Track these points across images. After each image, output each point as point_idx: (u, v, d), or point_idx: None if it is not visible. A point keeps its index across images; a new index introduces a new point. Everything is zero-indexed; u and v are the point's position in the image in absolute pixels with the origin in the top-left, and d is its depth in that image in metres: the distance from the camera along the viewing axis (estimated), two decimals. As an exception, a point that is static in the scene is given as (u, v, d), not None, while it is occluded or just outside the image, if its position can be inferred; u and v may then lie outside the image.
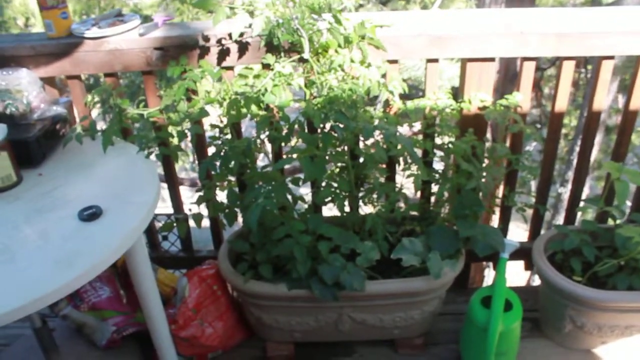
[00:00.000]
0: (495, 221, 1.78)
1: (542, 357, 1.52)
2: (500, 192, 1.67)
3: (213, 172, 1.39)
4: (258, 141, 1.39)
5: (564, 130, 6.87)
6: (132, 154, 1.30)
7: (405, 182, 1.50)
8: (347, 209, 1.45)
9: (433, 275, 1.31)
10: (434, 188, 1.56)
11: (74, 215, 1.04)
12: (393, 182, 1.56)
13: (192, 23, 1.54)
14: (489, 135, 3.85)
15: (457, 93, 1.56)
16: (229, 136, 1.40)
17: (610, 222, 1.56)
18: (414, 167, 1.44)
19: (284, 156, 1.27)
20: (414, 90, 6.20)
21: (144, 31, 1.43)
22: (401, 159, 1.46)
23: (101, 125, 1.40)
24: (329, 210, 1.66)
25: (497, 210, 1.71)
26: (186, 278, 1.51)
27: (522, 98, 1.47)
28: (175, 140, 1.40)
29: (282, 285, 1.35)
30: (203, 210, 1.49)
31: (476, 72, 1.46)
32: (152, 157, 1.33)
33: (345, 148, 1.39)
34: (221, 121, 1.40)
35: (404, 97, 1.47)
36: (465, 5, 6.92)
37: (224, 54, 1.43)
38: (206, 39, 1.41)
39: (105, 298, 1.47)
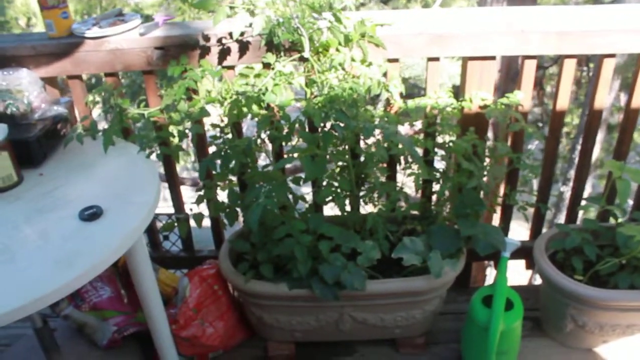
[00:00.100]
0: (496, 220, 1.77)
1: (543, 356, 1.51)
2: (501, 190, 1.66)
3: (214, 172, 1.39)
4: (259, 140, 1.39)
5: (566, 129, 6.85)
6: (133, 154, 1.30)
7: (406, 180, 1.50)
8: (348, 208, 1.45)
9: (434, 274, 1.31)
10: (435, 187, 1.56)
11: (75, 215, 1.04)
12: (394, 181, 1.55)
13: (192, 22, 1.54)
14: (490, 134, 3.85)
15: (458, 91, 1.56)
16: (229, 136, 1.39)
17: (612, 220, 1.55)
18: (414, 166, 1.43)
19: (285, 155, 1.27)
20: (416, 90, 6.19)
21: (144, 31, 1.43)
22: (402, 158, 1.46)
23: (102, 125, 1.40)
24: (330, 210, 1.66)
25: (498, 209, 1.71)
26: (187, 278, 1.51)
27: (523, 96, 1.47)
28: (176, 140, 1.40)
29: (282, 284, 1.35)
30: (204, 209, 1.49)
31: (477, 70, 1.46)
32: (153, 156, 1.33)
33: (346, 147, 1.39)
34: (222, 120, 1.40)
35: (404, 95, 1.47)
36: (466, 4, 6.91)
37: (224, 53, 1.43)
38: (207, 38, 1.41)
39: (106, 298, 1.47)
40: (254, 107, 1.34)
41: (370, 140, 1.40)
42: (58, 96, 1.51)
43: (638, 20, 1.40)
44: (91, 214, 1.03)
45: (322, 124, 1.30)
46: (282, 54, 1.40)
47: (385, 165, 1.50)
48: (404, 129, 2.74)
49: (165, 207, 1.77)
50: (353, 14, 1.38)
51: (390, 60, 1.44)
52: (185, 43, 1.42)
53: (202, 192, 1.45)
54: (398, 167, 1.58)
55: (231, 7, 1.30)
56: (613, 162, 1.38)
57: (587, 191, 5.63)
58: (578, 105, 7.01)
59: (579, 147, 1.68)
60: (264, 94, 1.34)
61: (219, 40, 1.41)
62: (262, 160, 1.53)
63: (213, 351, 1.55)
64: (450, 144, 1.46)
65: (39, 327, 1.31)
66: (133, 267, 1.21)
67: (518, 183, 1.66)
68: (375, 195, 1.46)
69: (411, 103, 1.45)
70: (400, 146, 1.35)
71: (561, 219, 5.90)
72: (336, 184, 1.40)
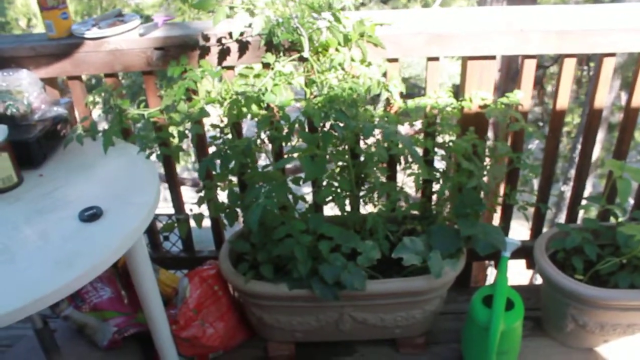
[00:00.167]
0: (496, 220, 1.77)
1: (544, 356, 1.51)
2: (501, 190, 1.66)
3: (214, 172, 1.39)
4: (258, 141, 1.39)
5: (566, 128, 6.85)
6: (133, 155, 1.30)
7: (407, 180, 1.50)
8: (348, 208, 1.45)
9: (434, 274, 1.30)
10: (435, 187, 1.55)
11: (75, 216, 1.04)
12: (394, 181, 1.55)
13: (192, 23, 1.54)
14: (490, 133, 3.85)
15: (458, 91, 1.56)
16: (229, 136, 1.39)
17: (613, 220, 1.55)
18: (414, 166, 1.43)
19: (285, 156, 1.27)
20: (417, 89, 6.18)
21: (144, 31, 1.43)
22: (402, 157, 1.46)
23: (103, 126, 1.40)
24: (331, 210, 1.66)
25: (499, 208, 1.70)
26: (187, 278, 1.51)
27: (523, 96, 1.46)
28: (175, 141, 1.40)
29: (283, 285, 1.35)
30: (204, 210, 1.49)
31: (477, 70, 1.45)
32: (153, 157, 1.33)
33: (346, 147, 1.39)
34: (222, 121, 1.40)
35: (404, 95, 1.47)
36: (466, 4, 6.90)
37: (224, 53, 1.43)
38: (206, 38, 1.41)
39: (106, 299, 1.47)
40: (254, 108, 1.34)
41: (370, 140, 1.40)
42: (58, 97, 1.51)
43: (639, 19, 1.40)
44: (91, 215, 1.03)
45: (321, 124, 1.30)
46: (281, 54, 1.40)
47: (385, 165, 1.50)
48: (404, 129, 2.74)
49: (166, 207, 1.77)
50: (352, 14, 1.38)
51: (390, 60, 1.43)
52: (185, 43, 1.42)
53: (202, 193, 1.45)
54: (398, 167, 1.58)
55: (231, 7, 1.30)
56: (613, 161, 1.38)
57: (588, 190, 5.63)
58: (579, 104, 7.00)
59: (579, 147, 1.68)
60: (263, 94, 1.34)
61: (219, 41, 1.41)
62: (263, 161, 1.53)
63: (213, 352, 1.55)
64: (450, 143, 1.45)
65: (39, 328, 1.31)
66: (133, 268, 1.21)
67: (518, 183, 1.66)
68: (375, 195, 1.46)
69: (411, 103, 1.45)
70: (400, 146, 1.35)
71: (562, 218, 5.89)
72: (336, 184, 1.40)
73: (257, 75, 1.38)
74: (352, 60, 1.36)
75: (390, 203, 1.46)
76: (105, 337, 1.43)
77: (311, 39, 1.33)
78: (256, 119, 1.36)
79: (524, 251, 1.59)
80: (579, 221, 1.72)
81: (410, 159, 1.43)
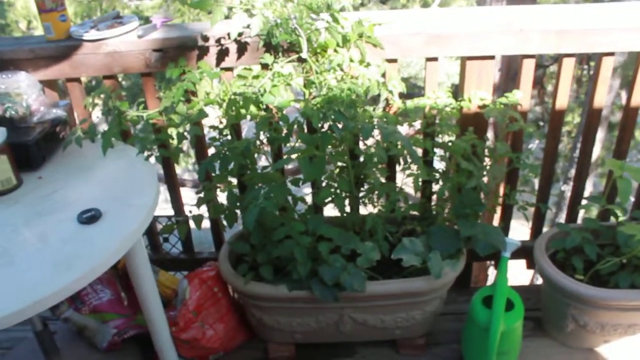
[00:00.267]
0: (496, 220, 1.77)
1: (544, 356, 1.51)
2: (501, 190, 1.66)
3: (213, 174, 1.39)
4: (258, 142, 1.38)
5: (567, 128, 6.83)
6: (132, 157, 1.30)
7: (406, 181, 1.50)
8: (347, 209, 1.44)
9: (434, 275, 1.30)
10: (435, 187, 1.55)
11: (74, 218, 1.04)
12: (393, 182, 1.55)
13: (190, 24, 1.54)
14: (490, 133, 3.85)
15: (457, 91, 1.55)
16: (229, 137, 1.39)
17: (613, 219, 1.54)
18: (414, 167, 1.43)
19: (284, 157, 1.27)
20: (417, 89, 6.18)
21: (142, 33, 1.43)
22: (401, 158, 1.46)
23: (103, 127, 1.40)
24: (332, 210, 1.65)
25: (499, 209, 1.70)
26: (187, 280, 1.50)
27: (522, 96, 1.46)
28: (175, 142, 1.40)
29: (282, 286, 1.35)
30: (204, 211, 1.48)
31: (476, 70, 1.45)
32: (152, 159, 1.33)
33: (345, 148, 1.38)
34: (221, 122, 1.40)
35: (404, 95, 1.47)
36: (466, 4, 6.90)
37: (222, 54, 1.43)
38: (205, 40, 1.41)
39: (106, 300, 1.47)
40: (253, 109, 1.33)
41: (370, 141, 1.39)
42: (57, 99, 1.51)
43: (639, 18, 1.39)
44: (89, 217, 1.03)
45: (320, 125, 1.30)
46: (280, 54, 1.39)
47: (384, 165, 1.50)
48: (403, 130, 2.74)
49: (167, 208, 1.77)
50: (351, 15, 1.38)
51: (389, 61, 1.43)
52: (184, 45, 1.42)
53: (201, 194, 1.45)
54: (397, 168, 1.58)
55: (229, 8, 1.29)
56: (614, 160, 1.37)
57: (588, 190, 5.62)
58: (579, 104, 6.99)
59: (579, 146, 1.68)
60: (262, 95, 1.33)
61: (217, 42, 1.41)
62: (263, 163, 1.53)
63: (213, 353, 1.55)
64: (450, 144, 1.45)
65: (39, 330, 1.31)
66: (132, 270, 1.21)
67: (518, 182, 1.66)
68: (375, 196, 1.46)
69: (410, 103, 1.45)
70: (399, 146, 1.35)
71: (562, 218, 5.88)
72: (335, 184, 1.40)
73: (256, 77, 1.38)
74: (351, 60, 1.36)
75: (389, 204, 1.46)
76: (105, 338, 1.43)
77: (310, 39, 1.33)
78: (255, 120, 1.35)
79: (524, 251, 1.59)
80: (579, 221, 1.72)
81: (409, 160, 1.43)
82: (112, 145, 1.29)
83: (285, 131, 1.37)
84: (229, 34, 1.38)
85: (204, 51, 1.42)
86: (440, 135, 1.49)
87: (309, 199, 1.54)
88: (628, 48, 1.40)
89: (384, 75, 1.43)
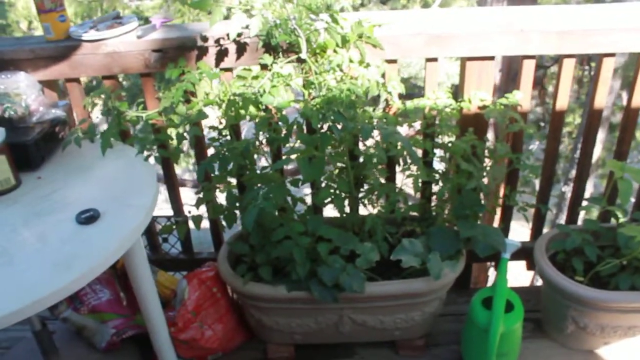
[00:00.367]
0: (496, 221, 1.76)
1: (544, 358, 1.51)
2: (501, 191, 1.66)
3: (212, 174, 1.38)
4: (257, 142, 1.38)
5: (567, 129, 6.83)
6: (131, 157, 1.30)
7: (406, 181, 1.49)
8: (347, 209, 1.44)
9: (433, 276, 1.30)
10: (435, 188, 1.55)
11: (73, 218, 1.04)
12: (393, 183, 1.55)
13: (190, 24, 1.54)
14: (491, 134, 3.84)
15: (457, 91, 1.55)
16: (228, 138, 1.39)
17: (613, 221, 1.54)
18: (413, 168, 1.43)
19: (283, 157, 1.27)
20: (417, 90, 6.18)
21: (142, 33, 1.43)
22: (401, 159, 1.45)
23: (103, 127, 1.40)
24: (332, 211, 1.65)
25: (499, 210, 1.70)
26: (186, 280, 1.50)
27: (522, 96, 1.46)
28: (174, 143, 1.40)
29: (281, 287, 1.35)
30: (203, 211, 1.48)
31: (476, 70, 1.45)
32: (151, 159, 1.32)
33: (345, 148, 1.38)
34: (220, 123, 1.40)
35: (403, 96, 1.46)
36: (466, 4, 6.90)
37: (222, 55, 1.43)
38: (204, 40, 1.41)
39: (105, 301, 1.47)
40: (252, 109, 1.33)
41: (369, 142, 1.39)
42: (56, 99, 1.51)
43: (639, 18, 1.39)
44: (88, 217, 1.03)
45: (319, 125, 1.29)
46: (279, 55, 1.39)
47: (384, 166, 1.50)
48: (403, 130, 2.74)
49: (167, 208, 1.77)
50: (350, 15, 1.38)
51: (389, 61, 1.43)
52: (183, 45, 1.42)
53: (201, 195, 1.45)
54: (397, 168, 1.57)
55: (229, 8, 1.29)
56: (614, 161, 1.37)
57: (589, 191, 5.61)
58: (580, 104, 6.99)
59: (580, 147, 1.67)
60: (261, 95, 1.33)
61: (217, 42, 1.41)
62: (263, 163, 1.53)
63: (212, 354, 1.54)
64: (449, 144, 1.45)
65: (38, 330, 1.31)
66: (131, 270, 1.21)
67: (519, 183, 1.65)
68: (374, 196, 1.46)
69: (410, 104, 1.45)
70: (399, 147, 1.34)
71: (563, 219, 5.87)
72: (335, 185, 1.40)
73: (256, 77, 1.38)
74: (351, 61, 1.36)
75: (389, 204, 1.45)
76: (104, 338, 1.43)
77: (309, 40, 1.33)
78: (255, 121, 1.35)
79: (524, 252, 1.58)
80: (579, 222, 1.71)
81: (409, 160, 1.42)
82: (111, 146, 1.29)
83: (284, 132, 1.36)
84: (228, 35, 1.38)
85: (203, 52, 1.42)
86: (440, 136, 1.48)
87: (308, 200, 1.53)
88: (629, 49, 1.39)
89: (383, 75, 1.42)
